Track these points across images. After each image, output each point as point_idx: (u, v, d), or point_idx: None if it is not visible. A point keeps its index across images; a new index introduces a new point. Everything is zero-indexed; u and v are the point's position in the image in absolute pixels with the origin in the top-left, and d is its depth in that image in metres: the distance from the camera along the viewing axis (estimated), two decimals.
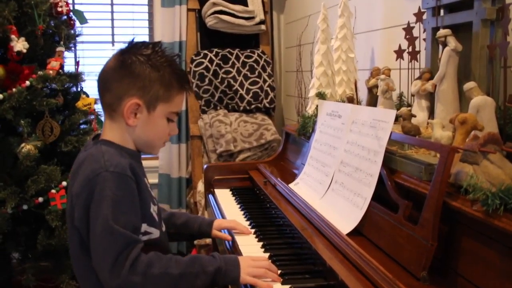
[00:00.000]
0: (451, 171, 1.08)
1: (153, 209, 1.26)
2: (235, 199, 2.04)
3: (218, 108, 3.41)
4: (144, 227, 1.22)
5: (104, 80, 1.28)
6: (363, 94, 2.13)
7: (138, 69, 1.23)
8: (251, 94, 3.42)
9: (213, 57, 3.40)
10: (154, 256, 1.13)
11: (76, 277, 1.28)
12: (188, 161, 3.59)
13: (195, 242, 2.96)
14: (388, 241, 1.18)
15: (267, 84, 3.47)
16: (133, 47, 1.27)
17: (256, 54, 3.52)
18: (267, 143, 3.31)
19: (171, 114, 1.30)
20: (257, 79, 3.46)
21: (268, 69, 3.52)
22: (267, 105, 3.45)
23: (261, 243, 1.51)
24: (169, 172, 3.56)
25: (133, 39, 1.32)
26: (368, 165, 1.36)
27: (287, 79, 3.79)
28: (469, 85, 1.29)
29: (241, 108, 3.42)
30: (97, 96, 2.67)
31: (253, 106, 3.43)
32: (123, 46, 1.30)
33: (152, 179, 3.61)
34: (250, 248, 1.49)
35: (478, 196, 0.94)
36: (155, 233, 1.25)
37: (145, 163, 3.82)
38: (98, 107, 2.77)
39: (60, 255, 2.30)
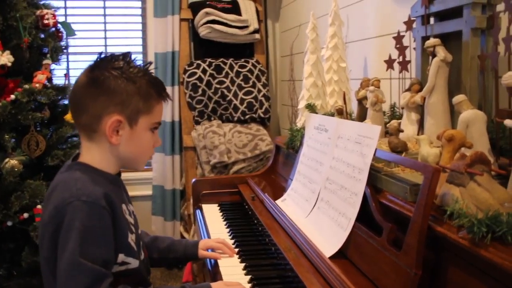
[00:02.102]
0: (437, 192, 0.99)
1: (131, 238, 1.18)
2: (222, 215, 1.95)
3: (212, 119, 3.33)
4: (121, 257, 1.14)
5: (76, 100, 1.19)
6: (354, 106, 2.05)
7: (112, 84, 1.16)
8: (245, 104, 3.34)
9: (206, 67, 3.33)
10: None
11: None
12: (182, 173, 3.51)
13: None
14: (372, 266, 1.09)
15: (261, 93, 3.39)
16: (102, 62, 1.19)
17: (250, 64, 3.44)
18: (262, 154, 3.22)
19: (153, 125, 1.23)
20: (252, 89, 3.38)
21: (263, 79, 3.44)
22: (262, 115, 3.37)
23: (243, 264, 1.42)
24: (163, 183, 3.48)
25: (101, 53, 1.23)
26: (353, 183, 1.28)
27: (283, 88, 3.71)
28: (458, 98, 1.20)
29: (235, 118, 3.34)
30: None
31: (247, 116, 3.34)
32: (92, 62, 1.21)
33: (146, 190, 3.54)
34: (232, 269, 1.41)
35: (463, 223, 0.85)
36: (133, 263, 1.17)
37: (138, 174, 3.74)
38: None
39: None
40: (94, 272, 1.02)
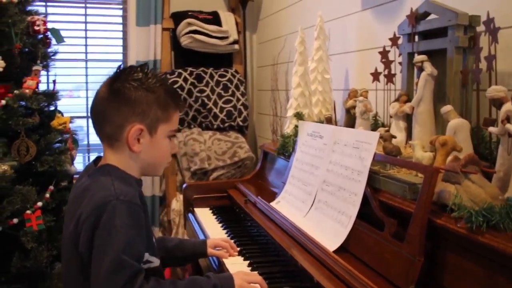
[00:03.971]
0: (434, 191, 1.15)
1: (154, 239, 1.27)
2: (216, 218, 2.06)
3: (192, 126, 3.43)
4: (146, 256, 1.21)
5: (99, 111, 1.26)
6: (338, 114, 2.21)
7: (133, 95, 1.23)
8: (224, 113, 3.46)
9: (188, 76, 3.43)
10: (156, 283, 1.14)
11: None
12: (161, 179, 3.58)
13: None
14: (375, 257, 1.23)
15: (240, 102, 3.53)
16: (122, 74, 1.27)
17: (229, 73, 3.57)
18: (241, 161, 3.35)
19: (171, 132, 1.31)
20: (231, 98, 3.51)
21: (242, 88, 3.58)
22: (240, 123, 3.50)
23: (247, 262, 1.54)
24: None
25: (120, 66, 1.32)
26: (352, 184, 1.42)
27: (260, 97, 3.85)
28: (446, 108, 1.37)
29: (215, 126, 3.45)
30: (73, 115, 2.65)
31: (226, 125, 3.47)
32: (112, 74, 1.29)
33: None
34: (237, 266, 1.51)
35: (462, 214, 1.00)
36: (156, 262, 1.25)
37: None
38: (73, 126, 2.75)
39: (35, 278, 2.26)
40: (133, 268, 1.10)
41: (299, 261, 1.39)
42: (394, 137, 1.48)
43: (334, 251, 1.36)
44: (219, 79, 3.52)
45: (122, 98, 1.23)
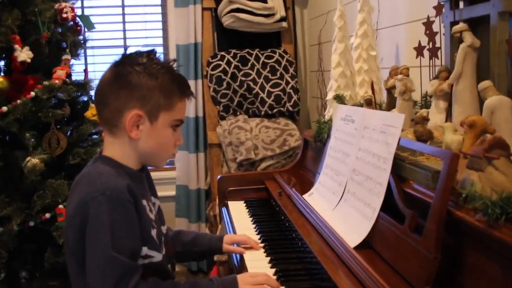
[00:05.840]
0: (459, 178, 1.11)
1: (153, 232, 1.31)
2: (248, 212, 2.10)
3: (238, 113, 3.48)
4: (145, 250, 1.27)
5: (100, 95, 1.33)
6: (384, 96, 2.16)
7: (135, 79, 1.29)
8: (272, 97, 3.47)
9: (231, 59, 3.48)
10: (154, 284, 1.19)
11: None
12: (207, 171, 3.67)
13: (215, 258, 3.01)
14: (394, 253, 1.21)
15: (290, 86, 3.52)
16: (127, 58, 1.33)
17: (277, 54, 3.57)
18: (291, 150, 3.35)
19: (175, 122, 1.35)
20: (279, 81, 3.51)
21: (291, 70, 3.56)
22: (290, 108, 3.49)
23: (268, 258, 1.56)
24: (187, 183, 3.65)
25: (126, 50, 1.39)
26: (378, 173, 1.40)
27: (313, 79, 3.82)
28: (483, 84, 1.31)
29: (263, 112, 3.47)
30: None
31: (275, 110, 3.47)
32: (117, 58, 1.35)
33: (169, 191, 3.71)
34: (257, 263, 1.54)
35: (478, 205, 0.96)
36: (157, 256, 1.30)
37: (161, 174, 3.88)
38: None
39: (68, 273, 2.41)
40: (125, 265, 1.16)
41: (319, 257, 1.39)
42: (427, 119, 1.43)
43: (358, 246, 1.35)
44: (266, 60, 3.54)
45: (122, 82, 1.29)
